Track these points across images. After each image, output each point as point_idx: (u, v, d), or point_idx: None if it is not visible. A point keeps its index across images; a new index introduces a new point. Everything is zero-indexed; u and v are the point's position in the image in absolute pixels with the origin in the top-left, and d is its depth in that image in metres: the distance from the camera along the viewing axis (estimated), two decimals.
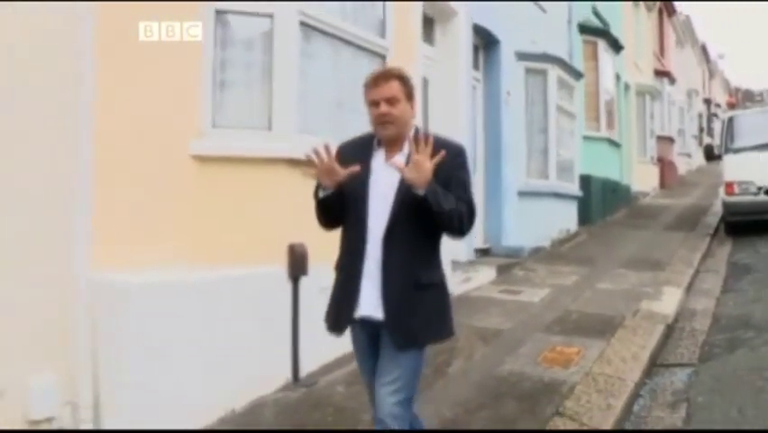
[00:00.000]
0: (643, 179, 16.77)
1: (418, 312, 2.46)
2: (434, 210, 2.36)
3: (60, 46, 3.37)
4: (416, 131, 2.53)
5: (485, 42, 8.59)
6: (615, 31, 13.73)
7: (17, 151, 3.16)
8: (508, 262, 7.80)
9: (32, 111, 3.22)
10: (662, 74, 20.62)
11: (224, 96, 4.16)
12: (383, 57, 5.26)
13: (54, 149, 3.29)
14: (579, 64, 11.54)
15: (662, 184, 18.74)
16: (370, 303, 2.49)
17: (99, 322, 3.39)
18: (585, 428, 3.38)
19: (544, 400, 3.90)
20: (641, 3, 18.84)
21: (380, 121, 2.47)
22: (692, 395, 4.13)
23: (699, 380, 4.39)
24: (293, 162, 4.12)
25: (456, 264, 6.72)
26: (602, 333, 5.17)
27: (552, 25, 10.59)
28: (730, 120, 11.23)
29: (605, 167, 12.55)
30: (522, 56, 9.26)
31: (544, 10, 10.22)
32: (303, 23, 4.33)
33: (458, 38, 7.48)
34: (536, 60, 9.48)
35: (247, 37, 4.30)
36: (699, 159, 25.23)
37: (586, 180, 11.19)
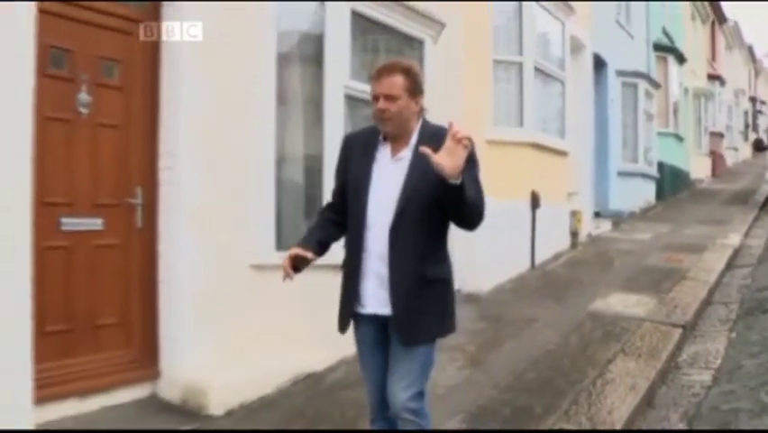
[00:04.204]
0: (698, 169, 19.88)
1: (426, 308, 2.44)
2: (466, 201, 2.29)
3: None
4: (425, 122, 2.55)
5: (597, 64, 11.93)
6: (678, 43, 16.92)
7: None
8: (616, 220, 11.20)
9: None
10: (714, 77, 23.59)
11: (498, 106, 7.56)
12: (563, 83, 8.69)
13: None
14: (653, 74, 14.80)
15: (714, 173, 21.80)
16: (375, 299, 2.47)
17: None
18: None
19: (674, 273, 7.29)
20: (698, 17, 21.89)
21: (378, 116, 2.45)
22: (754, 274, 7.51)
23: (756, 270, 7.76)
24: (534, 145, 7.58)
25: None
26: (695, 251, 8.54)
27: (637, 47, 13.91)
28: None
29: (672, 156, 15.77)
30: (620, 73, 12.59)
31: (632, 36, 13.55)
32: (536, 68, 7.79)
33: (584, 64, 10.84)
34: (630, 76, 12.83)
35: (506, 75, 7.74)
36: (744, 152, 28.18)
37: (660, 166, 14.46)
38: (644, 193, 13.39)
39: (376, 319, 2.50)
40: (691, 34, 20.77)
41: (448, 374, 4.37)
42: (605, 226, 10.53)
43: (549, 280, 7.15)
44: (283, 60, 4.64)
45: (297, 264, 2.47)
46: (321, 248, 2.57)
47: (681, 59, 16.67)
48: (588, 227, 9.75)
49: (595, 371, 4.40)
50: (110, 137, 4.04)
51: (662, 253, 8.55)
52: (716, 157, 22.40)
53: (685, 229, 10.48)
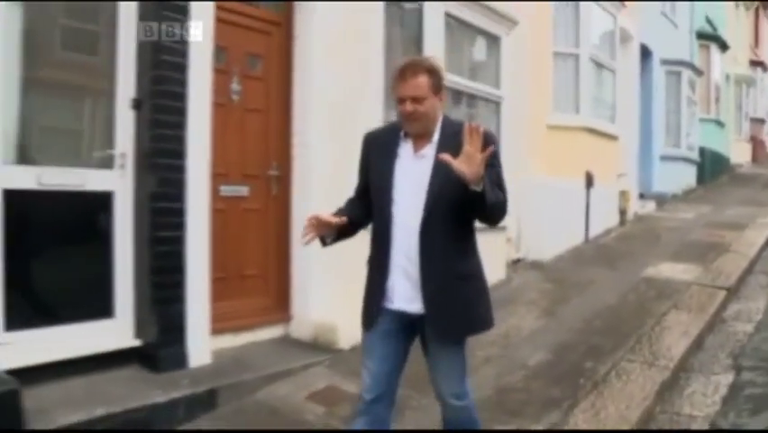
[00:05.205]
0: (738, 154, 20.27)
1: (459, 304, 2.47)
2: (487, 204, 2.30)
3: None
4: (446, 119, 2.54)
5: (643, 54, 12.54)
6: (721, 30, 17.36)
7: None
8: (660, 201, 11.88)
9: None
10: (756, 63, 23.81)
11: (556, 94, 8.31)
12: (614, 72, 9.38)
13: (518, 117, 7.50)
14: (696, 62, 15.32)
15: (754, 159, 22.14)
16: (404, 296, 2.49)
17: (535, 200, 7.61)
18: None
19: (718, 247, 7.99)
20: (741, 4, 22.14)
21: (406, 118, 2.46)
22: None
23: None
24: (588, 129, 8.33)
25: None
26: (737, 228, 9.20)
27: (681, 36, 14.46)
28: None
29: (713, 142, 16.28)
30: (664, 62, 13.18)
31: (676, 26, 14.10)
32: (591, 59, 8.51)
33: (632, 54, 11.47)
34: (674, 65, 13.42)
35: (564, 66, 8.46)
36: None
37: (701, 151, 15.02)
38: (686, 176, 14.00)
39: (401, 316, 2.52)
40: (734, 20, 21.05)
41: (528, 322, 5.21)
42: (649, 206, 11.23)
43: (603, 252, 7.92)
44: (389, 51, 5.47)
45: (324, 236, 2.55)
46: (350, 224, 2.60)
47: (723, 46, 17.10)
48: (634, 207, 10.46)
49: (652, 320, 5.20)
50: (254, 119, 4.93)
51: (705, 229, 9.23)
52: (756, 143, 22.72)
53: (726, 210, 11.11)
